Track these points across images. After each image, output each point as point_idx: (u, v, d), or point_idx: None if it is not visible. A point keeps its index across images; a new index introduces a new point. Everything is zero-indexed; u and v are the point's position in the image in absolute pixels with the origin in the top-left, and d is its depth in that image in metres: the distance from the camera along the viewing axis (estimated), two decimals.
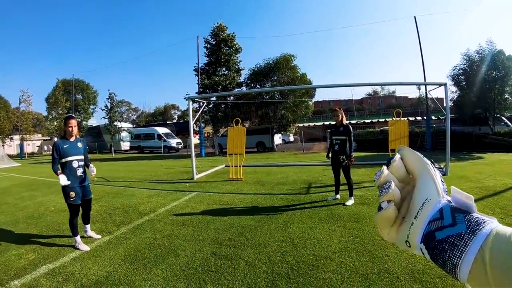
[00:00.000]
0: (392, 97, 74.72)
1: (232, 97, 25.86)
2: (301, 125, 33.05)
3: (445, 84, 10.24)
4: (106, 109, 31.84)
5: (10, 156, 28.58)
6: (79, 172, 4.72)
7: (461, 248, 0.42)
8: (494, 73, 18.89)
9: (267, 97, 24.44)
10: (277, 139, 28.56)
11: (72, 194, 4.60)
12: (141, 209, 6.86)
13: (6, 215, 6.91)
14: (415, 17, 21.49)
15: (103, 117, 32.74)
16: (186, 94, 23.54)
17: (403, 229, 0.52)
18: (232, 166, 10.67)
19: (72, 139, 4.73)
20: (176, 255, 4.19)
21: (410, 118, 30.88)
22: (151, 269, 3.77)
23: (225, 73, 26.35)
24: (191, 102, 12.08)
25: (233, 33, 26.41)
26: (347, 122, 6.70)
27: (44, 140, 47.07)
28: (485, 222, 0.43)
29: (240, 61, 27.11)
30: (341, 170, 6.61)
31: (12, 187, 11.42)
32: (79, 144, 4.80)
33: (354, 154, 6.61)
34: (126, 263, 4.00)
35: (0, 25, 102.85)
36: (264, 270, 3.63)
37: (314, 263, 3.75)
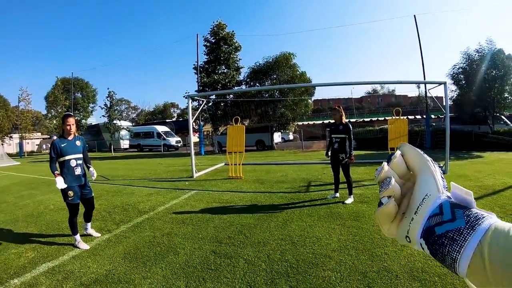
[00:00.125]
0: (392, 96, 74.79)
1: (231, 96, 25.87)
2: (300, 123, 33.01)
3: (444, 83, 10.25)
4: (105, 108, 31.86)
5: (10, 155, 28.56)
6: (77, 171, 4.66)
7: (460, 243, 0.42)
8: (494, 72, 18.90)
9: (267, 95, 24.46)
10: (277, 137, 28.54)
11: (70, 193, 4.55)
12: (140, 207, 6.86)
13: (5, 213, 6.91)
14: (414, 15, 21.47)
15: (103, 116, 32.80)
16: (186, 93, 23.61)
17: (404, 224, 0.52)
18: (231, 164, 10.67)
19: (70, 138, 4.68)
20: (176, 253, 4.20)
21: (410, 117, 30.93)
22: (151, 267, 3.77)
23: (225, 71, 26.34)
24: (190, 101, 12.07)
25: (233, 31, 26.41)
26: (347, 120, 6.70)
27: (43, 138, 47.01)
28: (484, 217, 0.43)
29: (239, 59, 27.17)
30: (340, 169, 6.61)
31: (11, 185, 11.41)
32: (78, 143, 4.74)
33: (354, 152, 6.61)
34: (126, 261, 4.00)
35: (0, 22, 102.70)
36: (264, 268, 3.63)
37: (313, 261, 3.76)
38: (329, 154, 6.79)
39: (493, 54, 18.85)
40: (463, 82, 20.67)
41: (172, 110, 77.87)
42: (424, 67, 20.74)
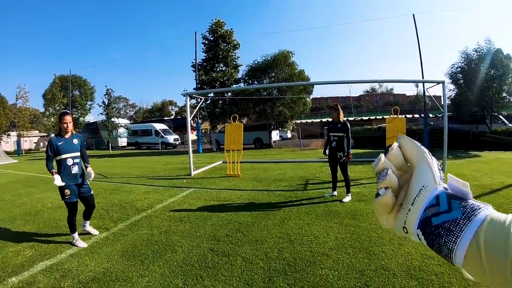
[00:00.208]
0: (390, 95, 74.86)
1: (229, 93, 25.86)
2: (298, 121, 33.08)
3: (443, 82, 10.27)
4: (103, 105, 31.74)
5: (7, 153, 28.51)
6: (74, 170, 4.58)
7: (457, 233, 0.43)
8: (492, 71, 18.92)
9: (265, 93, 24.46)
10: (275, 135, 28.56)
11: (67, 192, 4.50)
12: (138, 205, 6.86)
13: (3, 212, 6.89)
14: (413, 15, 21.46)
15: (101, 113, 32.63)
16: (184, 90, 23.59)
17: (401, 215, 0.52)
18: (229, 163, 10.66)
19: (67, 136, 4.61)
20: (173, 251, 4.20)
21: (408, 116, 30.98)
22: (148, 265, 3.77)
23: (223, 69, 26.29)
24: (188, 98, 12.08)
25: (231, 29, 26.35)
26: (345, 119, 6.70)
27: (41, 136, 46.93)
28: (480, 208, 0.43)
29: (238, 57, 27.11)
30: (338, 167, 6.62)
31: (9, 183, 11.39)
32: (75, 141, 4.67)
33: (352, 151, 6.62)
34: (123, 259, 4.00)
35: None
36: (261, 266, 3.64)
37: (311, 259, 3.76)
38: (327, 153, 6.79)
39: (492, 53, 18.88)
40: (461, 81, 20.70)
41: (170, 108, 77.76)
42: (422, 66, 20.74)
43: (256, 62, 25.23)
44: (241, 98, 24.25)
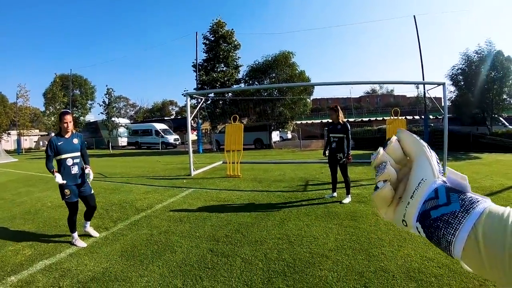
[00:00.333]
0: (390, 96, 74.85)
1: (230, 94, 25.86)
2: (299, 122, 33.07)
3: (443, 84, 10.27)
4: (104, 105, 31.75)
5: (7, 152, 28.43)
6: (74, 170, 4.53)
7: (455, 226, 0.43)
8: (493, 73, 18.90)
9: (265, 94, 24.46)
10: (275, 136, 28.52)
11: (67, 191, 4.46)
12: (138, 205, 6.86)
13: (3, 210, 6.89)
14: (414, 16, 21.48)
15: (101, 113, 32.62)
16: (184, 90, 23.58)
17: (400, 208, 0.53)
18: (229, 163, 10.66)
19: (67, 136, 4.56)
20: (173, 251, 4.20)
21: (408, 117, 30.91)
22: (148, 266, 3.77)
23: (224, 69, 26.30)
24: (189, 98, 12.08)
25: (232, 29, 26.36)
26: (345, 120, 6.70)
27: (41, 135, 46.93)
28: (478, 201, 0.44)
29: (238, 57, 27.12)
30: (338, 168, 6.62)
31: (9, 182, 11.39)
32: (75, 140, 4.61)
33: (352, 152, 6.62)
34: (123, 259, 4.00)
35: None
36: (261, 267, 3.64)
37: (310, 260, 3.76)
38: (327, 154, 6.79)
39: (491, 56, 18.87)
40: (462, 83, 20.68)
41: (170, 108, 77.79)
42: (423, 68, 20.78)
43: (257, 62, 25.26)
44: (241, 98, 24.26)
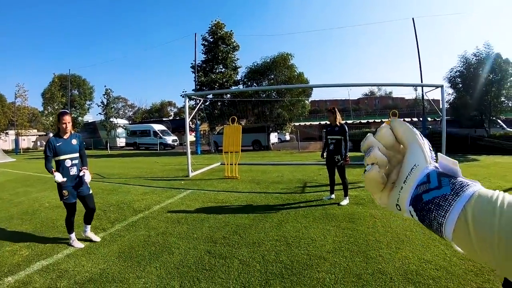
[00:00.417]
0: (389, 98, 74.90)
1: (228, 95, 25.85)
2: (297, 124, 33.06)
3: (441, 86, 10.30)
4: (102, 105, 31.76)
5: (5, 151, 28.40)
6: (73, 171, 4.46)
7: (446, 208, 0.45)
8: (491, 76, 18.95)
9: (264, 95, 24.45)
10: (273, 137, 28.53)
11: (65, 192, 4.39)
12: (135, 206, 6.85)
13: (0, 211, 6.88)
14: (413, 18, 21.53)
15: (99, 113, 32.66)
16: (183, 91, 23.53)
17: (394, 193, 0.55)
18: (227, 164, 10.66)
19: (66, 136, 4.47)
20: (170, 252, 4.19)
21: (406, 119, 30.99)
22: (145, 267, 3.77)
23: (222, 70, 26.29)
24: (187, 99, 12.08)
25: (231, 30, 26.36)
26: (343, 122, 6.71)
27: (39, 135, 46.83)
28: (468, 185, 0.45)
29: (237, 59, 27.15)
30: (336, 170, 6.63)
31: (6, 182, 11.37)
32: (74, 141, 4.53)
33: (350, 154, 6.62)
34: (120, 260, 4.00)
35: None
36: (258, 269, 3.63)
37: (308, 262, 3.76)
38: (325, 156, 6.79)
39: (490, 58, 18.92)
40: (460, 85, 20.73)
41: (169, 109, 77.76)
42: (421, 70, 20.84)
43: (256, 64, 25.23)
44: (240, 100, 24.25)
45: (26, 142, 43.68)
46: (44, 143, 4.70)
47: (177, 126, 40.36)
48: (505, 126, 21.02)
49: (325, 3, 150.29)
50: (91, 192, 4.73)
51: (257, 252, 4.14)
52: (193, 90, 25.23)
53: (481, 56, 19.50)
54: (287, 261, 3.82)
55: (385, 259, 3.74)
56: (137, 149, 33.81)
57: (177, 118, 57.49)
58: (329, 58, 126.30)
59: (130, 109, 77.91)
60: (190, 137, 15.52)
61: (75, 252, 4.34)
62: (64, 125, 4.40)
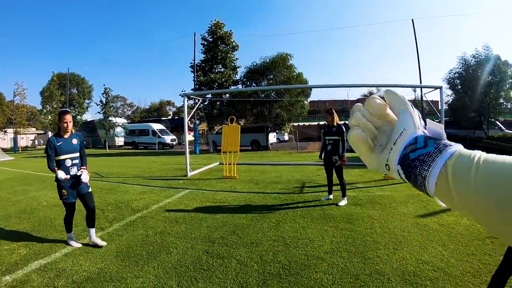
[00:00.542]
0: None
1: (227, 95, 25.84)
2: (296, 124, 33.05)
3: (440, 87, 10.31)
4: (101, 104, 31.72)
5: (4, 150, 28.33)
6: (73, 171, 4.41)
7: (429, 163, 0.48)
8: (490, 77, 19.01)
9: (263, 95, 24.44)
10: (272, 137, 28.51)
11: (64, 192, 4.35)
12: (134, 205, 6.85)
13: None
14: (412, 20, 21.56)
15: (98, 112, 32.66)
16: (182, 91, 23.57)
17: (384, 154, 0.58)
18: (226, 164, 10.67)
19: (66, 136, 4.41)
20: (168, 252, 4.20)
21: None
22: (143, 266, 3.77)
23: (221, 70, 26.29)
24: (186, 99, 12.06)
25: (230, 30, 26.36)
26: (341, 122, 6.72)
27: (38, 134, 46.72)
28: (451, 145, 0.49)
29: (236, 59, 27.15)
30: (334, 171, 6.64)
31: (5, 181, 11.36)
32: (74, 141, 4.47)
33: (348, 154, 6.62)
34: (118, 259, 4.00)
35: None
36: (256, 269, 3.64)
37: (305, 263, 3.77)
38: (323, 157, 6.80)
39: (491, 60, 18.97)
40: (459, 87, 20.79)
41: (168, 108, 77.64)
42: (420, 71, 20.86)
43: (255, 64, 25.22)
44: (239, 99, 24.25)
45: (24, 140, 43.57)
46: (42, 141, 4.65)
47: (175, 126, 40.32)
48: (503, 128, 21.07)
49: (326, 3, 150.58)
50: (90, 190, 4.66)
51: (255, 252, 4.14)
52: (192, 89, 25.21)
53: (480, 57, 19.56)
54: (285, 261, 3.83)
55: (383, 260, 3.75)
56: (136, 148, 33.78)
57: (176, 117, 57.43)
58: (330, 59, 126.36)
59: (129, 108, 77.77)
60: (189, 137, 15.51)
61: (73, 251, 4.34)
62: (65, 124, 4.33)
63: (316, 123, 41.87)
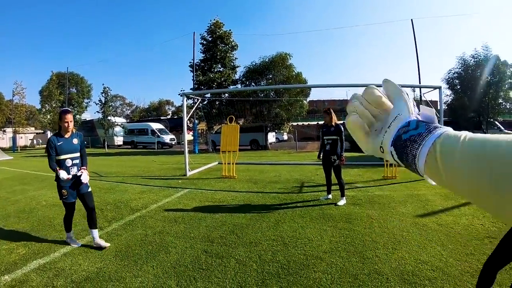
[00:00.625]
0: None
1: (226, 94, 25.86)
2: (295, 124, 33.05)
3: (439, 87, 10.32)
4: (100, 103, 31.70)
5: (2, 149, 28.27)
6: (73, 171, 4.37)
7: (419, 142, 0.51)
8: (489, 78, 19.02)
9: (262, 95, 24.44)
10: (271, 137, 28.50)
11: (64, 192, 4.32)
12: (133, 205, 6.85)
13: None
14: (412, 20, 21.56)
15: (97, 111, 32.66)
16: (181, 90, 23.50)
17: (378, 137, 0.61)
18: (225, 164, 10.67)
19: (67, 135, 4.37)
20: (167, 252, 4.20)
21: None
22: (142, 266, 3.77)
23: (221, 70, 26.33)
24: (185, 98, 12.05)
25: (230, 30, 26.40)
26: (340, 122, 6.73)
27: (37, 133, 46.67)
28: (441, 127, 0.52)
29: (236, 58, 27.19)
30: (332, 170, 6.64)
31: (3, 180, 11.34)
32: (75, 141, 4.43)
33: (347, 154, 6.64)
34: (117, 259, 4.00)
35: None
36: (255, 268, 3.64)
37: (304, 262, 3.78)
38: (321, 157, 6.81)
39: (491, 60, 18.99)
40: (458, 87, 20.80)
41: (167, 108, 77.55)
42: (419, 71, 20.85)
43: (254, 63, 25.22)
44: (238, 99, 24.24)
45: (23, 140, 43.52)
46: (41, 141, 4.63)
47: (175, 125, 40.31)
48: (502, 128, 21.09)
49: (326, 3, 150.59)
50: (90, 190, 4.63)
51: (254, 251, 4.15)
52: (191, 89, 25.21)
53: (479, 58, 19.58)
54: (284, 261, 3.84)
55: (382, 260, 3.76)
56: (135, 147, 33.74)
57: (175, 117, 57.42)
58: (330, 58, 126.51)
59: (128, 108, 77.67)
60: (188, 136, 15.50)
61: (72, 250, 4.34)
62: (66, 124, 4.28)
63: (315, 122, 41.88)
